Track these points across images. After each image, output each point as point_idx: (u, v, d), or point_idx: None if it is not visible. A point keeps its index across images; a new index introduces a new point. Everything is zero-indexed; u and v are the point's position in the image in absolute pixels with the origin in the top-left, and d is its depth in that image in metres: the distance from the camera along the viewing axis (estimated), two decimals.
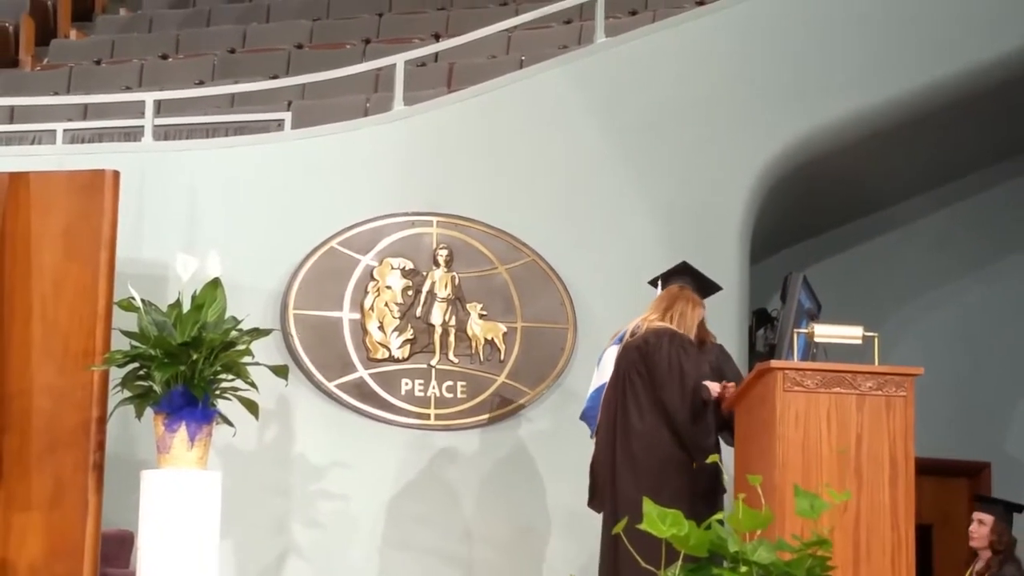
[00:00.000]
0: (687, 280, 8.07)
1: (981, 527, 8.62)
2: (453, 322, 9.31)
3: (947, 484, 10.77)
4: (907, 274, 12.28)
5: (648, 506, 4.08)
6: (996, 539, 8.63)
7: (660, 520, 4.05)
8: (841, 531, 6.64)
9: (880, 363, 7.23)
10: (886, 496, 6.95)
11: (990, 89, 10.64)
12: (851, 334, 7.43)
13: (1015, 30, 10.41)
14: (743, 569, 4.18)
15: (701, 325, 8.03)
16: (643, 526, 4.16)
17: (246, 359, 7.78)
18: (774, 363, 7.12)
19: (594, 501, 7.93)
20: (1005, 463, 11.91)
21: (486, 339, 9.33)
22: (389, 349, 9.24)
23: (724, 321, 9.32)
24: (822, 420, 6.97)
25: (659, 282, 8.15)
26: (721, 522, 4.24)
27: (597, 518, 7.94)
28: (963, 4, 10.41)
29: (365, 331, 9.22)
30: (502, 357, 9.33)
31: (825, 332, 7.49)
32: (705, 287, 8.12)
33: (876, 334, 7.29)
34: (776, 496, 6.69)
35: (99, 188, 8.10)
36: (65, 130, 10.06)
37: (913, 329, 12.04)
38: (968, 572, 8.65)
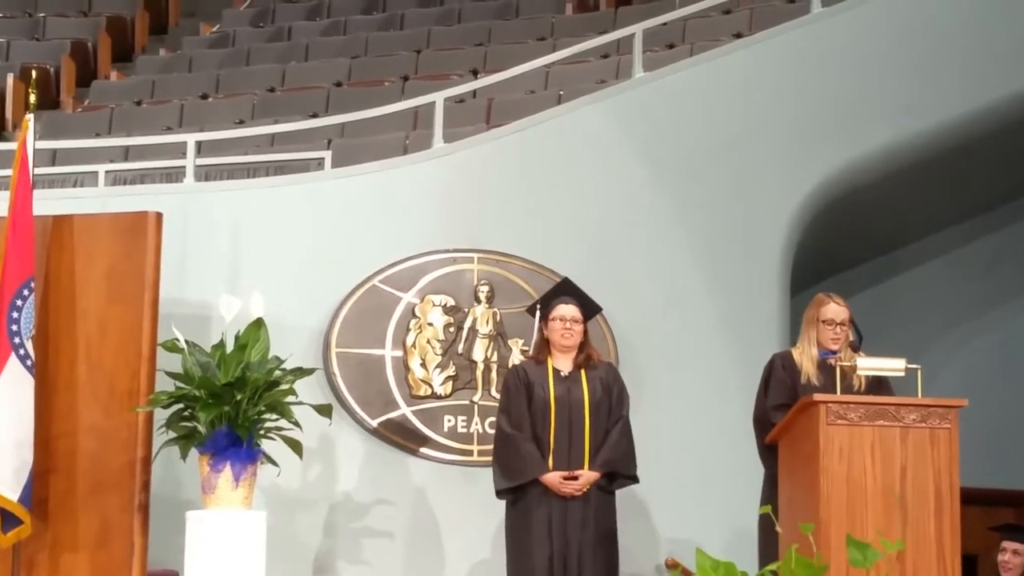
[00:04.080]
0: None
1: (1016, 557, 8.64)
2: (495, 358, 9.32)
3: (992, 513, 10.70)
4: (949, 303, 12.23)
5: (701, 557, 4.06)
6: None
7: (712, 571, 4.03)
8: (887, 563, 6.60)
9: (923, 394, 7.21)
10: (931, 528, 6.92)
11: None
12: (894, 366, 7.40)
13: None
14: None
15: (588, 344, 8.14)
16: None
17: (290, 398, 7.81)
18: (817, 397, 7.11)
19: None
20: None
21: None
22: (431, 386, 9.25)
23: (764, 354, 9.29)
24: (866, 453, 6.96)
25: (536, 308, 8.19)
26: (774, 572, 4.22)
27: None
28: (1002, 33, 10.39)
29: (407, 368, 9.24)
30: None
31: (868, 365, 7.47)
32: (588, 307, 8.16)
33: (919, 366, 7.27)
34: (821, 531, 6.67)
35: (142, 230, 8.14)
36: (107, 172, 10.10)
37: (955, 358, 11.99)
38: None
